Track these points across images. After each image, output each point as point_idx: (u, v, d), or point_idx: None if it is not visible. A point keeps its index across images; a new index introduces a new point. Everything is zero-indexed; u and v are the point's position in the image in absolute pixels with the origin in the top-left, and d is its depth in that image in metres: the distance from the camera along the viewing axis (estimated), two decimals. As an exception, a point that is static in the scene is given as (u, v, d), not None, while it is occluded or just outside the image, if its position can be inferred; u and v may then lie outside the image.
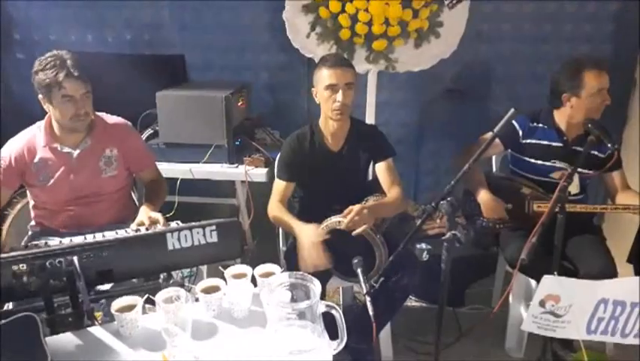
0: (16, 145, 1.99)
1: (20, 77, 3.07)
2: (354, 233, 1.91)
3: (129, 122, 2.16)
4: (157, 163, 2.27)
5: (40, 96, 1.91)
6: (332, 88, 2.01)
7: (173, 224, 1.67)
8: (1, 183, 1.99)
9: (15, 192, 2.11)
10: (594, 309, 1.34)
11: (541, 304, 1.35)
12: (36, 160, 1.98)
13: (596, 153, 2.19)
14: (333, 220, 1.95)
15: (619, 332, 1.36)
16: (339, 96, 2.01)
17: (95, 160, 2.03)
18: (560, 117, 2.23)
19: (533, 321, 1.38)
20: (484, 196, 2.23)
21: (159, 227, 1.73)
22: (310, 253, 1.91)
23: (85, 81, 1.90)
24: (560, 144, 2.22)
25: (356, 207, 1.91)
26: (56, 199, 2.02)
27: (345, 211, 1.93)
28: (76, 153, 2.00)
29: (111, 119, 2.11)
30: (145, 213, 1.87)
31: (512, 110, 1.54)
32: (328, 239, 1.96)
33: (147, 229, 1.72)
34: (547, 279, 1.34)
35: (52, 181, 1.99)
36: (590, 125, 2.01)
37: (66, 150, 1.99)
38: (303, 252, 1.93)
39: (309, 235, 1.93)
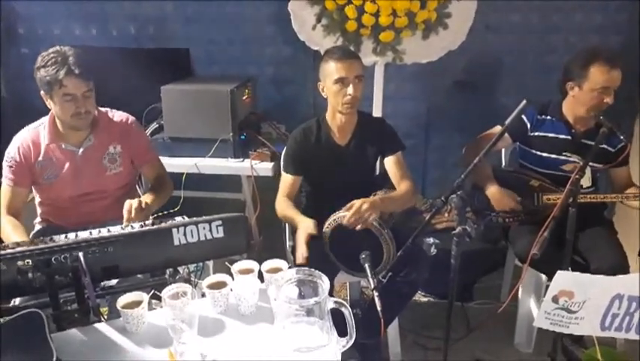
0: (21, 142, 1.96)
1: (24, 72, 3.06)
2: (357, 228, 1.88)
3: (134, 118, 2.13)
4: (162, 158, 2.24)
5: (42, 92, 1.87)
6: (342, 81, 1.98)
7: (179, 219, 1.65)
8: (16, 184, 1.96)
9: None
10: (609, 305, 1.32)
11: (555, 300, 1.33)
12: (40, 158, 1.96)
13: (605, 146, 2.15)
14: (340, 215, 1.93)
15: (634, 328, 1.34)
16: (350, 89, 1.97)
17: (99, 158, 2.01)
18: (568, 109, 2.19)
19: (546, 317, 1.35)
20: (493, 190, 2.21)
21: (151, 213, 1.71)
22: (297, 245, 1.90)
23: (87, 79, 1.84)
24: (569, 137, 2.19)
25: (356, 203, 1.87)
26: (61, 197, 2.01)
27: (347, 206, 1.90)
28: (80, 151, 1.98)
29: (115, 115, 2.08)
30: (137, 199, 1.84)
31: (524, 101, 1.51)
32: (336, 234, 1.94)
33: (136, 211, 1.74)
34: (560, 274, 1.32)
35: (56, 179, 1.97)
36: (601, 118, 1.98)
37: (70, 148, 1.97)
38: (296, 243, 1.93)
39: (303, 228, 1.92)
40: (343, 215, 1.91)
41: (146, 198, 1.91)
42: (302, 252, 1.85)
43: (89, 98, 1.89)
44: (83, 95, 1.85)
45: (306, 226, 1.93)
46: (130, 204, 1.79)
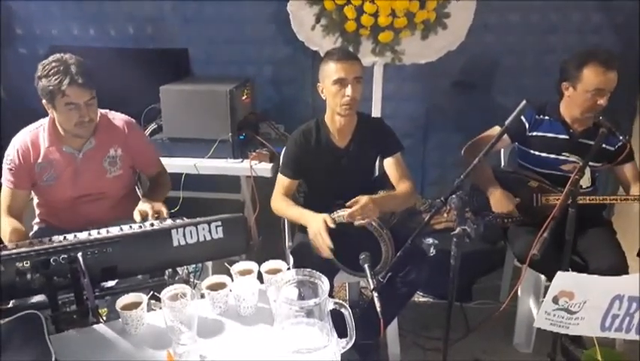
0: (20, 144, 1.95)
1: (22, 72, 3.04)
2: (356, 223, 1.86)
3: (133, 120, 2.13)
4: (161, 158, 2.24)
5: (43, 101, 1.85)
6: (341, 82, 1.97)
7: (178, 220, 1.65)
8: (16, 187, 1.94)
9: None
10: (609, 305, 1.32)
11: (555, 300, 1.33)
12: (40, 160, 1.94)
13: (604, 145, 2.14)
14: (340, 214, 1.92)
15: (634, 329, 1.34)
16: (349, 90, 1.96)
17: (99, 161, 2.00)
18: (565, 110, 2.19)
19: (546, 318, 1.35)
20: (494, 191, 2.20)
21: (166, 221, 1.71)
22: (316, 238, 1.87)
23: (90, 87, 1.83)
24: (567, 137, 2.19)
25: (362, 200, 1.87)
26: (61, 199, 2.00)
27: (352, 201, 1.89)
28: (80, 154, 1.97)
29: (116, 117, 2.07)
30: (148, 203, 1.84)
31: (524, 101, 1.51)
32: (335, 234, 1.93)
33: (151, 219, 1.72)
34: (561, 275, 1.31)
35: (56, 182, 1.96)
36: (601, 119, 1.98)
37: (70, 151, 1.96)
38: (312, 238, 1.90)
39: (318, 220, 1.89)
40: (343, 214, 1.89)
41: (153, 202, 1.88)
42: (326, 242, 1.83)
43: (92, 106, 1.88)
44: (86, 103, 1.84)
45: (320, 217, 1.90)
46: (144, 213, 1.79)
